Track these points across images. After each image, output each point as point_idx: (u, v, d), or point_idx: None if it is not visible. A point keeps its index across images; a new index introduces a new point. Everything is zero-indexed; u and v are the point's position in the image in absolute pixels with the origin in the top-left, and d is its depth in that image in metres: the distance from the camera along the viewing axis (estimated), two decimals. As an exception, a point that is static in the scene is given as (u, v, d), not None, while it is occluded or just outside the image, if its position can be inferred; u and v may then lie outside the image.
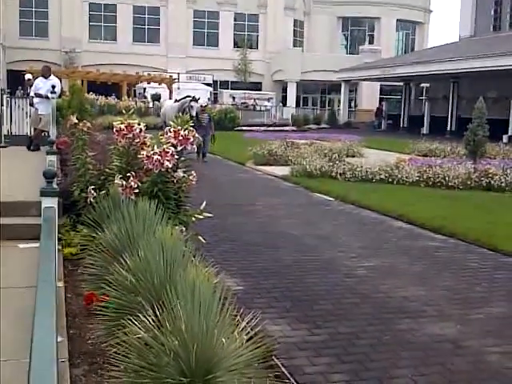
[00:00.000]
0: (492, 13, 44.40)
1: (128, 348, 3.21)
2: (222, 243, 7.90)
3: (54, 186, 4.59)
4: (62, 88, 15.69)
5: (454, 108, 40.81)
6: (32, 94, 13.72)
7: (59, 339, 3.88)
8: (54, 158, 7.36)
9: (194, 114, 17.68)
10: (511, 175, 13.97)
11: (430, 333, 5.01)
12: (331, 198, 12.10)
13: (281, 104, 53.22)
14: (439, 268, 7.10)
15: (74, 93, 12.00)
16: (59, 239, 6.15)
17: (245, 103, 48.73)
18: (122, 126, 6.00)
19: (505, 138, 31.91)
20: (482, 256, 7.77)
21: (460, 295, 6.06)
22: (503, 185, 13.75)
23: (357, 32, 64.84)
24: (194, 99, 18.99)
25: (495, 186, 13.78)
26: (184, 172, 6.02)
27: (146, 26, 56.73)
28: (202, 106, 19.45)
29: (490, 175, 14.09)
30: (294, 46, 59.21)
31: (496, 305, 5.78)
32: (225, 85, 55.22)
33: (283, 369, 4.11)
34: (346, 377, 4.15)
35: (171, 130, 5.88)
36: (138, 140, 6.10)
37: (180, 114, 17.06)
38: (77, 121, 7.24)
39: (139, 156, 5.92)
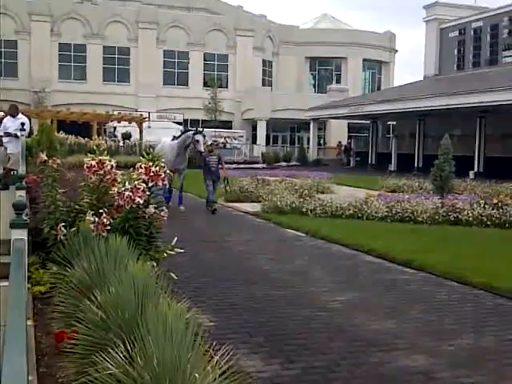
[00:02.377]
0: (456, 52, 45.65)
1: (99, 385, 3.17)
2: (193, 279, 7.86)
3: (24, 217, 4.55)
4: (31, 127, 15.62)
5: (421, 145, 41.60)
6: (0, 133, 13.62)
7: (29, 378, 3.82)
8: (23, 193, 7.31)
9: (201, 149, 15.40)
10: (478, 210, 14.18)
11: (402, 365, 5.03)
12: (302, 234, 12.15)
13: (251, 142, 53.60)
14: (410, 301, 7.15)
15: (44, 132, 11.97)
16: (28, 277, 6.07)
17: (215, 141, 48.88)
18: (93, 163, 6.00)
19: (471, 174, 32.51)
20: (451, 288, 7.85)
21: (431, 327, 6.11)
22: (471, 219, 13.94)
23: (324, 71, 66.02)
24: (198, 132, 15.65)
25: (463, 221, 13.97)
26: (155, 208, 6.03)
27: (116, 66, 57.00)
28: (211, 144, 16.88)
29: (458, 210, 14.29)
30: (263, 85, 59.95)
31: (466, 336, 5.83)
32: (195, 123, 55.44)
33: (257, 403, 4.08)
34: (319, 410, 4.13)
35: (142, 166, 5.91)
36: (108, 176, 6.10)
37: (184, 152, 15.60)
38: (46, 158, 7.21)
39: (110, 192, 5.91)
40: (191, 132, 15.62)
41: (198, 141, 15.25)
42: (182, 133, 16.14)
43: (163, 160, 15.94)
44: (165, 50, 57.93)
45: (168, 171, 15.85)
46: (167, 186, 15.08)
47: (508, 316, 6.61)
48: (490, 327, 6.15)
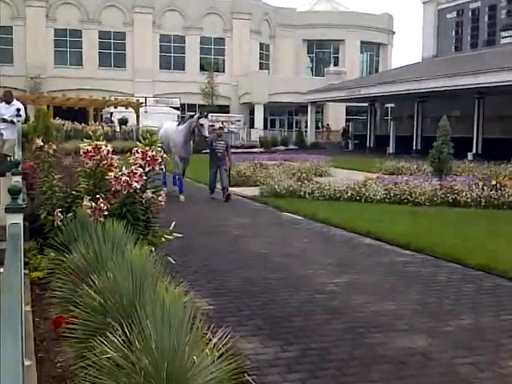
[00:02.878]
0: (453, 34, 45.43)
1: (98, 369, 3.18)
2: (191, 263, 7.87)
3: (20, 201, 4.54)
4: (27, 113, 15.53)
5: (419, 127, 41.51)
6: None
7: (28, 363, 3.82)
8: (19, 178, 7.29)
9: (205, 133, 14.46)
10: (476, 191, 14.19)
11: (401, 346, 5.04)
12: (300, 217, 12.14)
13: (248, 126, 53.50)
14: (408, 282, 7.16)
15: (40, 118, 11.90)
16: (26, 263, 6.07)
17: (212, 126, 48.84)
18: (89, 148, 5.97)
19: (470, 156, 32.49)
20: (450, 270, 7.86)
21: (429, 308, 6.12)
22: (469, 200, 13.95)
23: (322, 54, 65.82)
24: (203, 115, 14.75)
25: (461, 202, 13.98)
26: (153, 193, 6.02)
27: (112, 51, 56.80)
28: (217, 129, 16.08)
29: (456, 191, 14.30)
30: (261, 69, 59.77)
31: (465, 317, 5.84)
32: (192, 108, 55.33)
33: (255, 385, 4.09)
34: (318, 392, 4.15)
35: (139, 150, 5.88)
36: (105, 162, 6.07)
37: (190, 138, 14.92)
38: (42, 143, 7.18)
39: (107, 177, 5.89)
40: (196, 116, 14.75)
41: (202, 125, 14.40)
42: (187, 118, 15.28)
43: (172, 148, 14.75)
44: (161, 35, 57.76)
45: (177, 158, 14.84)
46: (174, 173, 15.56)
47: (506, 296, 6.61)
48: (488, 307, 6.16)
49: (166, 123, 16.92)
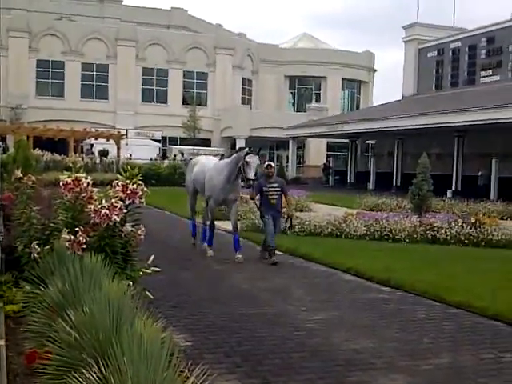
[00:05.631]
0: (434, 72, 46.19)
1: (72, 407, 3.10)
2: (170, 298, 7.77)
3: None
4: (6, 144, 15.44)
5: (399, 164, 41.91)
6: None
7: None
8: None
9: (251, 175, 11.03)
10: (456, 228, 14.27)
11: (380, 385, 4.99)
12: (281, 252, 12.10)
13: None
14: (388, 320, 7.13)
15: (20, 148, 11.82)
16: (1, 296, 5.96)
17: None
18: (69, 180, 5.93)
19: (449, 193, 32.74)
20: (430, 307, 7.85)
21: (409, 346, 6.08)
22: (448, 238, 14.03)
23: (303, 90, 66.55)
24: (252, 151, 11.25)
25: (440, 239, 14.05)
26: (132, 226, 5.96)
27: (95, 83, 56.88)
28: (269, 166, 11.74)
29: (436, 228, 14.37)
30: (243, 104, 60.17)
31: (444, 355, 5.81)
32: (174, 141, 55.44)
33: (233, 425, 4.01)
34: (297, 432, 4.07)
35: (119, 183, 5.84)
36: (84, 194, 6.02)
37: (236, 178, 11.39)
38: (21, 175, 7.11)
39: (86, 210, 5.84)
40: (245, 151, 11.29)
41: (248, 163, 11.01)
42: (236, 151, 11.93)
43: (207, 189, 11.98)
44: (144, 68, 57.98)
45: (212, 203, 11.93)
46: (204, 221, 12.71)
47: (485, 335, 6.61)
48: (467, 346, 6.14)
49: (202, 157, 13.71)
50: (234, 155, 11.58)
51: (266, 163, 11.97)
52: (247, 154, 11.11)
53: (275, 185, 11.50)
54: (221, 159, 12.34)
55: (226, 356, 5.60)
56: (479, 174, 34.34)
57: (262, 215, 11.69)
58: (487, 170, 33.62)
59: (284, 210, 12.08)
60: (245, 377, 5.07)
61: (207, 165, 12.32)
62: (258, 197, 11.83)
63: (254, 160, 11.06)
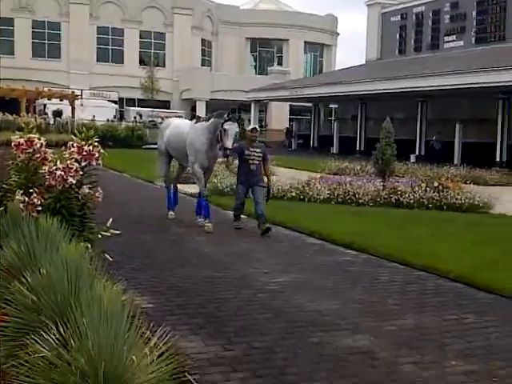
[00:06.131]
0: (397, 37, 46.19)
1: (31, 368, 3.01)
2: (130, 261, 7.64)
3: None
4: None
5: (363, 128, 42.05)
6: None
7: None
8: None
9: (228, 144, 10.22)
10: (419, 192, 14.37)
11: (343, 345, 4.97)
12: (243, 216, 12.02)
13: (191, 123, 53.12)
14: (352, 282, 7.14)
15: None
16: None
17: (152, 121, 48.29)
18: (22, 141, 5.70)
19: (412, 158, 33.13)
20: (393, 270, 7.88)
21: (373, 308, 6.09)
22: (412, 202, 14.14)
23: (265, 53, 66.00)
24: (231, 117, 10.48)
25: (404, 203, 14.15)
26: (89, 188, 5.79)
27: (47, 41, 55.35)
28: (254, 130, 10.87)
29: (399, 193, 14.46)
30: (203, 65, 59.45)
31: (407, 317, 5.83)
32: (131, 102, 54.61)
33: (196, 385, 3.95)
34: (261, 392, 4.04)
35: (74, 144, 5.65)
36: (38, 155, 5.82)
37: (216, 143, 10.51)
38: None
39: (40, 172, 5.65)
40: (222, 119, 10.35)
41: (225, 130, 10.21)
42: (210, 116, 10.98)
43: (190, 154, 10.83)
44: (98, 27, 56.64)
45: (197, 167, 10.72)
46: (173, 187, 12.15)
47: (448, 297, 6.66)
48: (431, 307, 6.17)
49: (173, 120, 12.78)
50: (212, 120, 10.63)
51: (251, 126, 11.07)
52: (226, 121, 10.29)
53: (258, 150, 10.70)
54: (196, 122, 11.21)
55: (189, 318, 5.53)
56: (433, 138, 34.83)
57: (237, 183, 11.05)
58: (440, 135, 34.12)
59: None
60: (208, 338, 5.01)
61: (183, 127, 11.40)
62: (236, 162, 11.06)
63: (232, 128, 10.25)
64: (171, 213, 11.62)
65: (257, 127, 11.13)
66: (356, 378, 4.34)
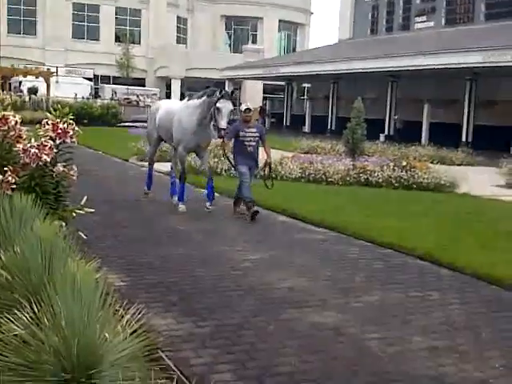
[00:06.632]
0: (369, 17, 46.26)
1: (5, 346, 3.07)
2: (104, 239, 7.71)
3: None
4: None
5: (334, 108, 42.20)
6: None
7: None
8: None
9: (222, 124, 9.69)
10: (388, 172, 14.59)
11: (313, 321, 5.12)
12: (216, 194, 12.09)
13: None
14: (321, 259, 7.29)
15: None
16: None
17: (127, 99, 47.91)
18: (-4, 118, 5.70)
19: (382, 137, 33.39)
20: (361, 247, 8.07)
21: (341, 285, 6.25)
22: (380, 180, 14.36)
23: (240, 31, 65.62)
24: (224, 95, 9.89)
25: (373, 182, 14.37)
26: (64, 166, 5.82)
27: (22, 18, 54.45)
28: (247, 110, 10.27)
29: (368, 172, 14.67)
30: (178, 43, 58.97)
31: (374, 293, 6.00)
32: (106, 79, 54.05)
33: (168, 361, 4.05)
34: (232, 367, 4.16)
35: (49, 122, 5.66)
36: (13, 133, 5.81)
37: (209, 122, 10.12)
38: None
39: (14, 149, 5.65)
40: (216, 96, 9.82)
41: (218, 109, 9.69)
42: (204, 94, 10.23)
43: (176, 134, 10.21)
44: (74, 3, 55.84)
45: (182, 149, 10.24)
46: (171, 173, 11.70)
47: (413, 274, 6.85)
48: (396, 284, 6.35)
49: (164, 101, 12.58)
50: (205, 98, 10.05)
51: (244, 107, 10.33)
52: (219, 98, 9.73)
53: (253, 130, 10.18)
54: (189, 100, 10.76)
55: (162, 295, 5.62)
56: (395, 117, 35.20)
57: (235, 164, 10.34)
58: (400, 115, 34.58)
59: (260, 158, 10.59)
60: (181, 315, 5.12)
61: (173, 106, 11.05)
62: (231, 143, 10.50)
63: (226, 106, 9.71)
64: (178, 202, 10.63)
65: (250, 107, 10.52)
66: (324, 354, 4.48)
